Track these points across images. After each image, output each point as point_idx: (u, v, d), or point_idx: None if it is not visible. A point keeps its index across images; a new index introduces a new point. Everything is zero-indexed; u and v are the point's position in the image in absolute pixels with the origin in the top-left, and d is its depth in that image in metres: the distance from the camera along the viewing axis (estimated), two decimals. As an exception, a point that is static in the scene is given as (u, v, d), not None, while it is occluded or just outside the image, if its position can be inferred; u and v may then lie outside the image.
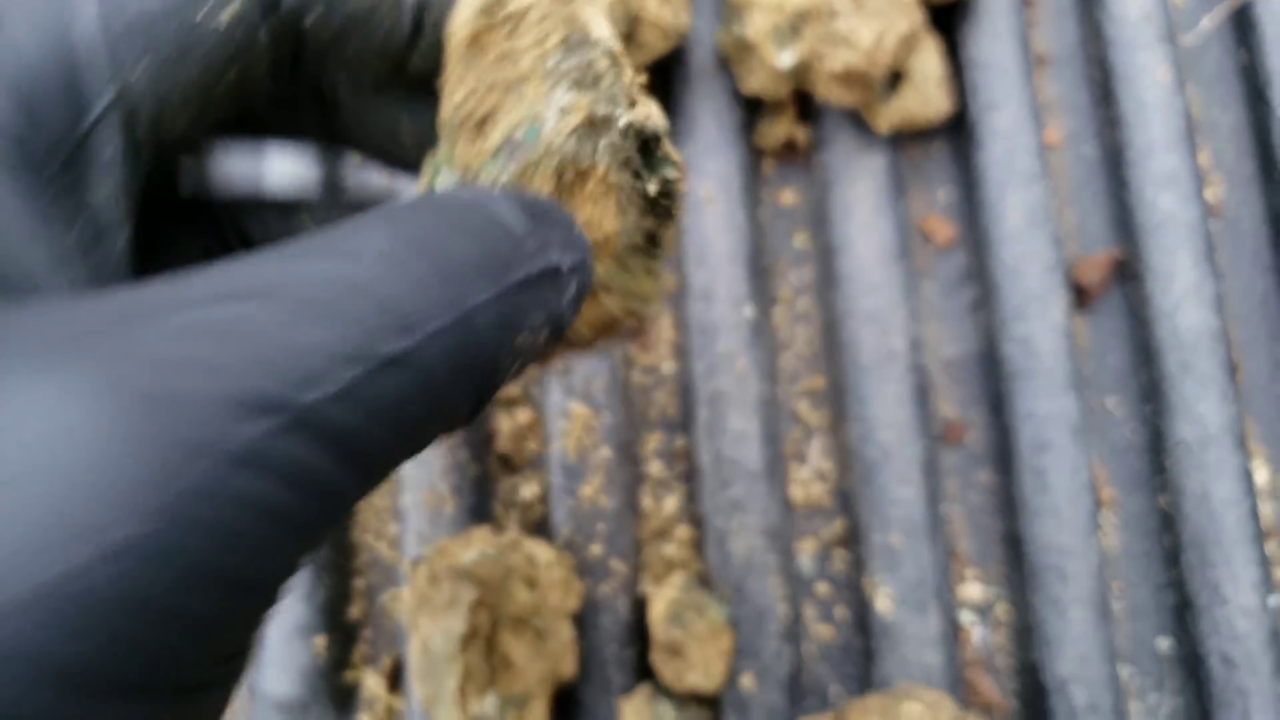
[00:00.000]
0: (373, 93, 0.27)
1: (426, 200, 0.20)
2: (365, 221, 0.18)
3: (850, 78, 0.45)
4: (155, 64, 0.22)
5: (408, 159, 0.28)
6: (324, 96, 0.27)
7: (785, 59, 0.45)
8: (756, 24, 0.45)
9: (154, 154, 0.23)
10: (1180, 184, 0.47)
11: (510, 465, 0.48)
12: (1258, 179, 0.49)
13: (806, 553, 0.46)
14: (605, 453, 0.47)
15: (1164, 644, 0.45)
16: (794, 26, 0.45)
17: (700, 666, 0.43)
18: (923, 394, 0.47)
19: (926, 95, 0.47)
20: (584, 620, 0.45)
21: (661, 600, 0.44)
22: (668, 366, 0.49)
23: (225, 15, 0.22)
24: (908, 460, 0.45)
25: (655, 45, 0.45)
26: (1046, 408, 0.45)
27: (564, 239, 0.21)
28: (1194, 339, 0.46)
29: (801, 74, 0.46)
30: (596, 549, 0.46)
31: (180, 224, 0.28)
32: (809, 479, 0.47)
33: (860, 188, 0.48)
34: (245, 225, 0.29)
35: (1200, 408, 0.45)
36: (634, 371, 0.49)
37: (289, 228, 0.28)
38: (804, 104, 0.50)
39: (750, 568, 0.45)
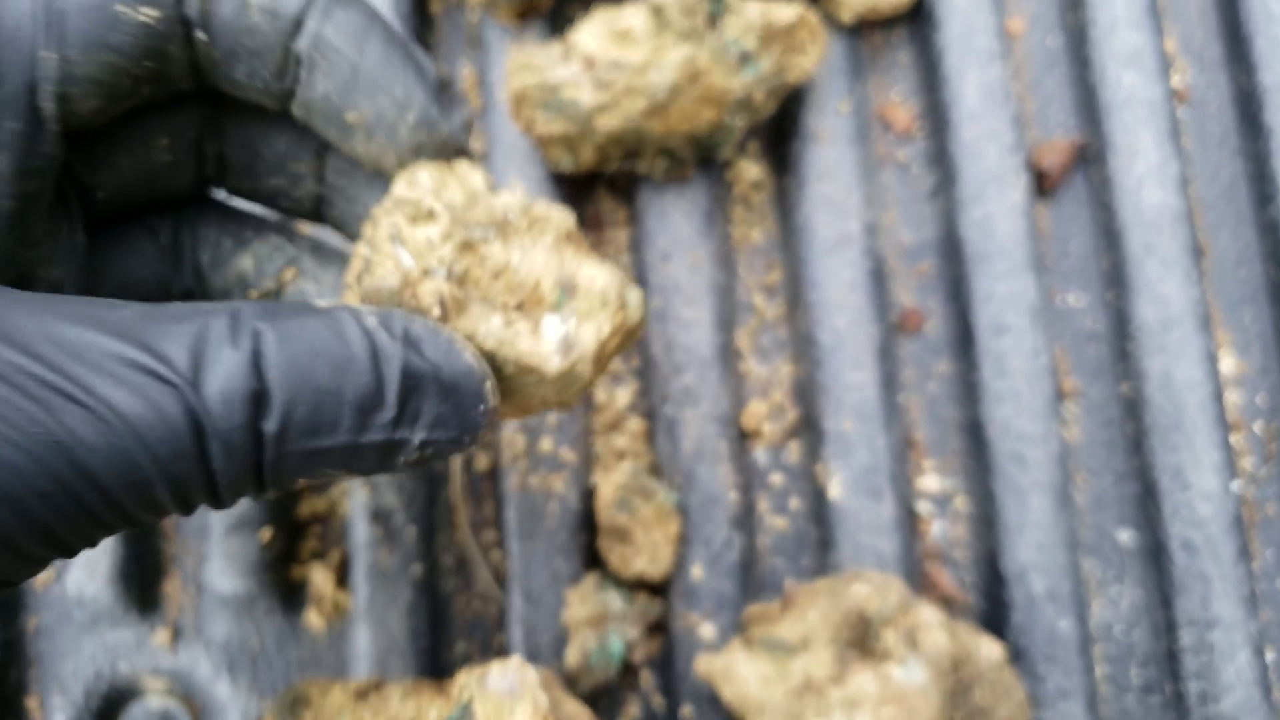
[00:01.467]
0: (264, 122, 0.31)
1: (324, 323, 0.23)
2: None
3: None
4: (76, 44, 0.25)
5: (298, 205, 0.33)
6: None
7: None
8: None
9: (57, 140, 0.26)
10: (1143, 62, 0.45)
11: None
12: (1225, 61, 0.48)
13: (761, 445, 0.45)
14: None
15: (1125, 535, 0.44)
16: None
17: (647, 552, 0.42)
18: (879, 280, 0.45)
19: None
20: (532, 508, 0.44)
21: (609, 485, 0.43)
22: (623, 259, 0.47)
23: (147, 11, 0.25)
24: (861, 345, 0.44)
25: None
26: (1005, 289, 0.44)
27: (437, 418, 0.24)
28: (1156, 218, 0.44)
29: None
30: (547, 441, 0.45)
31: (133, 226, 0.32)
32: (763, 370, 0.46)
33: (817, 77, 0.47)
34: (198, 234, 0.33)
35: (1163, 288, 0.44)
36: (586, 264, 0.47)
37: (235, 251, 0.33)
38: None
39: (701, 456, 0.44)
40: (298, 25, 0.27)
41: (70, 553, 0.22)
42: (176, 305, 0.23)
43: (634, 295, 0.28)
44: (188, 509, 0.23)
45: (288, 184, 0.32)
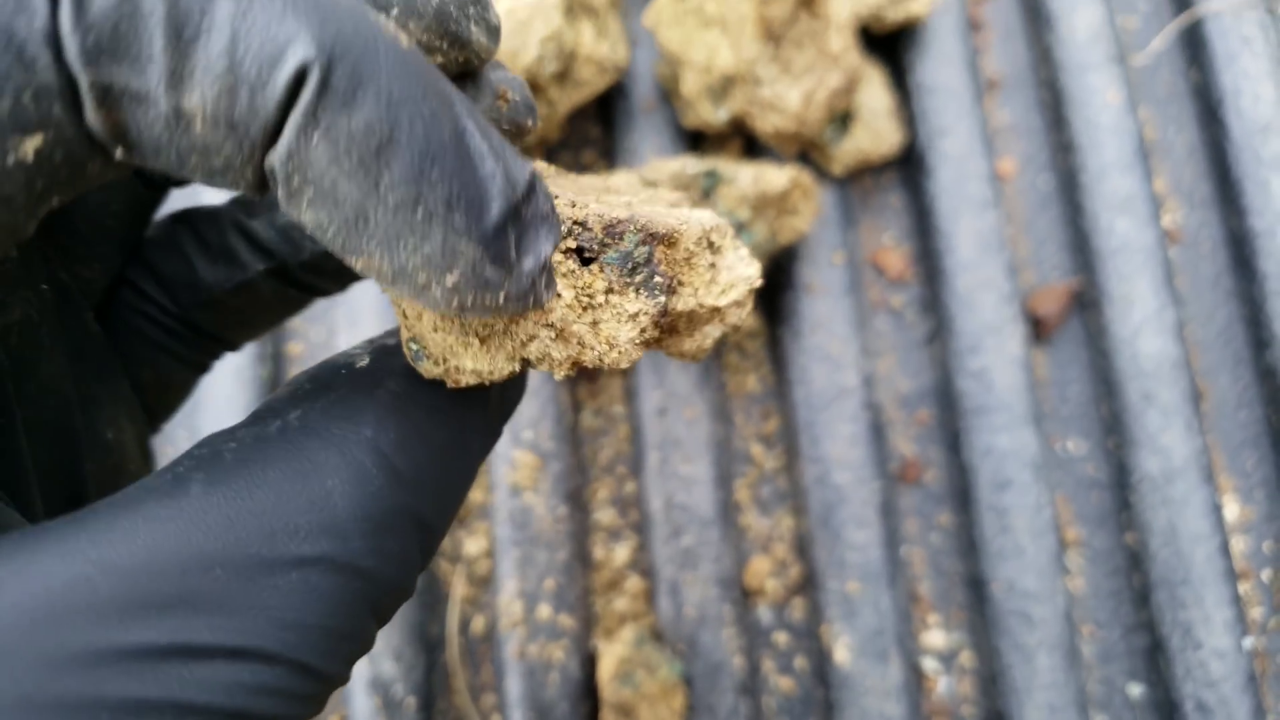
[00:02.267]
0: None
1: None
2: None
3: (783, 137, 0.44)
4: None
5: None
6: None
7: (720, 114, 0.44)
8: (689, 82, 0.44)
9: None
10: (1136, 207, 0.45)
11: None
12: (1215, 201, 0.48)
13: (764, 602, 0.45)
14: (553, 502, 0.45)
15: (1136, 690, 0.43)
16: (723, 88, 0.43)
17: (651, 727, 0.41)
18: (878, 432, 0.45)
19: (878, 131, 0.46)
20: (533, 678, 0.43)
21: (611, 657, 0.42)
22: (618, 409, 0.47)
23: (25, 144, 0.17)
24: (863, 502, 0.44)
25: (593, 81, 0.44)
26: (1006, 443, 0.44)
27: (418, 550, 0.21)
28: (1155, 367, 0.44)
29: (740, 120, 0.45)
30: (545, 608, 0.44)
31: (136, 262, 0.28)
32: (764, 523, 0.45)
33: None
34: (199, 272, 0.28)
35: (1164, 439, 0.44)
36: (583, 415, 0.47)
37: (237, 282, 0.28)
38: (749, 136, 0.48)
39: (704, 621, 0.43)
40: (272, 138, 0.16)
41: None
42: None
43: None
44: None
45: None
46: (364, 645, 0.20)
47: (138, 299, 0.29)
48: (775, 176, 0.41)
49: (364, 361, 0.22)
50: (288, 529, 0.19)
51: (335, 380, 0.21)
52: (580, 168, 0.49)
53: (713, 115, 0.44)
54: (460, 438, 0.22)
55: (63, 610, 0.17)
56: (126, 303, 0.28)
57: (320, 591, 0.19)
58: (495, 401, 0.23)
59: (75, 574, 0.17)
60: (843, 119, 0.45)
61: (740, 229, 0.41)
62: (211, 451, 0.20)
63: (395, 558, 0.20)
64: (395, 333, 0.24)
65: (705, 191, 0.40)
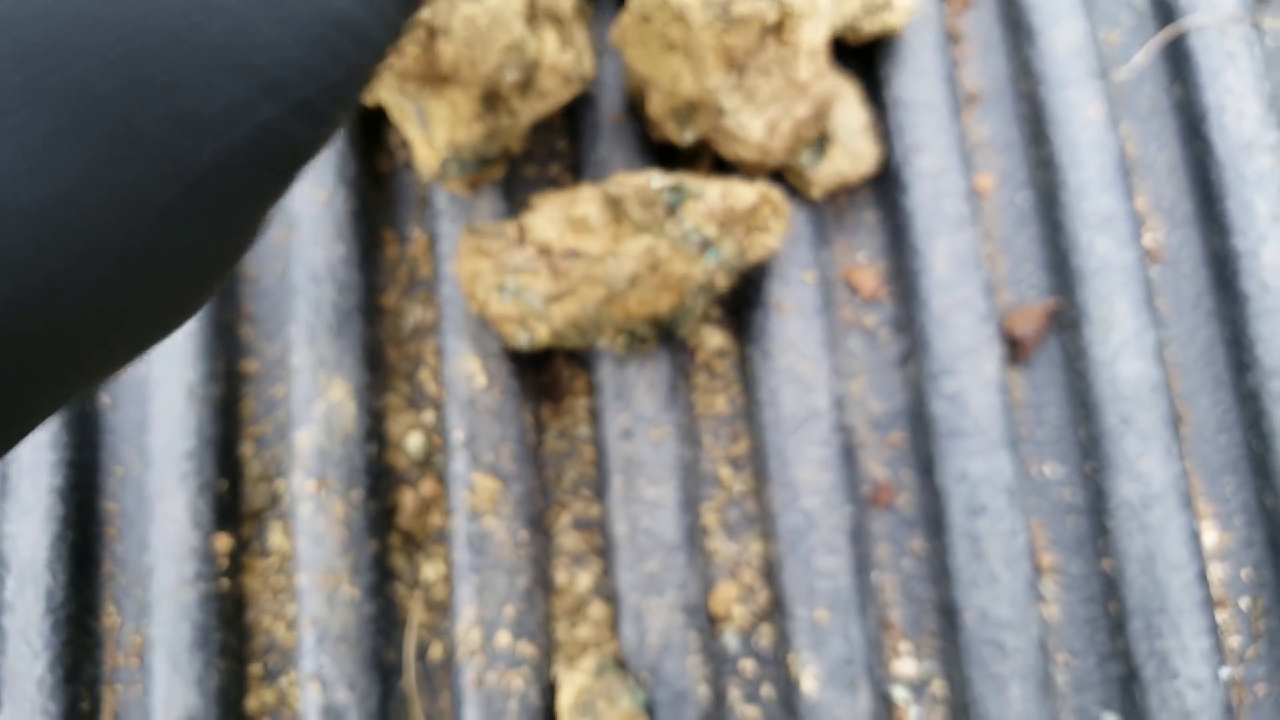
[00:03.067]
0: None
1: None
2: None
3: (749, 165, 0.43)
4: None
5: None
6: None
7: (687, 136, 0.43)
8: (655, 103, 0.43)
9: None
10: (1116, 226, 0.44)
11: (413, 541, 0.45)
12: (1197, 219, 0.47)
13: (731, 629, 0.43)
14: (514, 526, 0.43)
15: None
16: (688, 112, 0.42)
17: (612, 760, 0.40)
18: (848, 455, 0.44)
19: (855, 151, 0.45)
20: (491, 707, 0.42)
21: (571, 687, 0.41)
22: (583, 430, 0.46)
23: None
24: (833, 528, 0.43)
25: (558, 92, 0.43)
26: (980, 469, 0.43)
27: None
28: (1134, 391, 0.43)
29: (707, 142, 0.44)
30: (505, 636, 0.42)
31: None
32: (731, 548, 0.44)
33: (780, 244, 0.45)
34: None
35: (1142, 464, 0.42)
36: (547, 436, 0.46)
37: None
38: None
39: (668, 649, 0.42)
40: None
41: None
42: None
43: None
44: None
45: None
46: None
47: None
48: (744, 192, 0.40)
49: None
50: None
51: None
52: (548, 181, 0.47)
53: (679, 136, 0.43)
54: None
55: None
56: None
57: None
58: None
59: None
60: (819, 142, 0.44)
61: (707, 246, 0.39)
62: None
63: None
64: None
65: (671, 207, 0.39)
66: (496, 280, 0.40)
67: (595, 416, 0.45)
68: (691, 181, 0.40)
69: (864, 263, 0.47)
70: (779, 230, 0.41)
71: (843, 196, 0.47)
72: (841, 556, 0.42)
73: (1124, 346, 0.43)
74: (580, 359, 0.46)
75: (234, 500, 0.45)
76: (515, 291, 0.40)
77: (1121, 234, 0.44)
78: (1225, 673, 0.41)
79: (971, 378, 0.43)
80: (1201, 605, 0.41)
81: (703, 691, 0.42)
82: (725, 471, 0.45)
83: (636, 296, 0.39)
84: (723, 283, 0.41)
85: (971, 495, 0.42)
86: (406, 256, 0.48)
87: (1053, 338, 0.46)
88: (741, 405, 0.46)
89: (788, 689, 0.43)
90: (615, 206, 0.39)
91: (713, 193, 0.40)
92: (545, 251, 0.39)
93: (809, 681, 0.42)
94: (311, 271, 0.46)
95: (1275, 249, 0.44)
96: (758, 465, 0.45)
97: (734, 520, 0.45)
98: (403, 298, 0.47)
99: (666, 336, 0.44)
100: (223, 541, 0.44)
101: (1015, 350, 0.45)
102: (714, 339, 0.45)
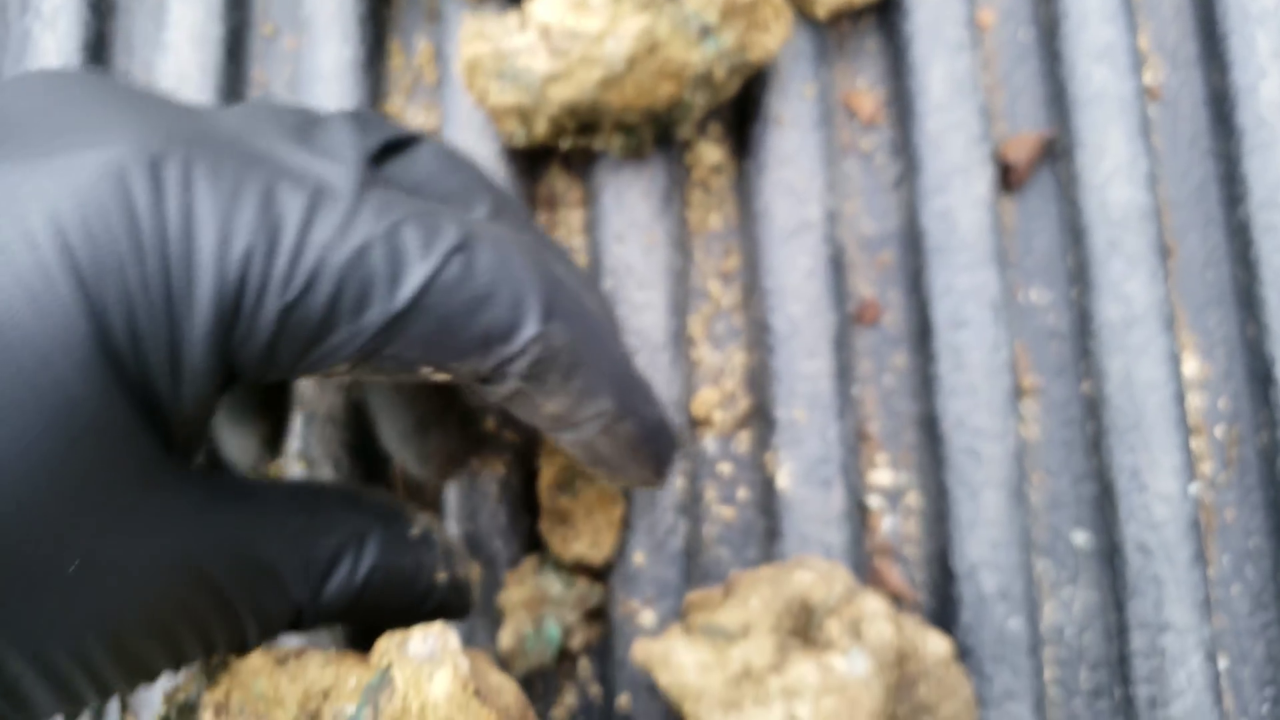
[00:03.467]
0: None
1: None
2: None
3: None
4: None
5: None
6: None
7: None
8: None
9: None
10: (1115, 57, 0.45)
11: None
12: (1199, 60, 0.47)
13: (711, 433, 0.44)
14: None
15: (1081, 537, 0.43)
16: None
17: (588, 535, 0.41)
18: (837, 269, 0.44)
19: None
20: (472, 488, 0.43)
21: (552, 466, 0.42)
22: (576, 240, 0.46)
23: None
24: (817, 334, 0.43)
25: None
26: (966, 282, 0.43)
27: None
28: (1123, 215, 0.43)
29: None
30: (489, 423, 0.43)
31: None
32: (716, 357, 0.45)
33: (782, 60, 0.46)
34: None
35: (1127, 287, 0.43)
36: (542, 244, 0.46)
37: None
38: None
39: (648, 440, 0.43)
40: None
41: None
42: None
43: None
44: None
45: None
46: None
47: None
48: (745, -14, 0.40)
49: None
50: None
51: None
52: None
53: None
54: None
55: None
56: None
57: None
58: None
59: None
60: None
61: (707, 33, 0.40)
62: None
63: None
64: None
65: (671, -13, 0.39)
66: (496, 66, 0.41)
67: (589, 225, 0.46)
68: None
69: (864, 87, 0.47)
70: (779, 33, 0.42)
71: (846, 22, 0.47)
72: (823, 361, 0.43)
73: (1115, 173, 0.44)
74: (577, 168, 0.46)
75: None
76: (513, 76, 0.40)
77: (1120, 65, 0.45)
78: (1194, 488, 0.41)
79: (962, 196, 0.44)
80: (1176, 424, 0.42)
81: (680, 484, 0.43)
82: (715, 285, 0.46)
83: (634, 82, 0.40)
84: (721, 76, 0.41)
85: (956, 308, 0.43)
86: (412, 65, 0.48)
87: (1046, 170, 0.46)
88: (735, 223, 0.46)
89: (763, 490, 0.43)
90: None
91: None
92: (545, 33, 0.40)
93: (784, 479, 0.42)
94: (318, 73, 0.46)
95: (1274, 84, 0.44)
96: (747, 279, 0.45)
97: (720, 332, 0.45)
98: (407, 103, 0.48)
99: (664, 142, 0.45)
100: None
101: (1008, 177, 0.45)
102: (711, 154, 0.46)
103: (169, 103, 0.26)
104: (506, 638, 0.40)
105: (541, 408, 0.27)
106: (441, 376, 0.26)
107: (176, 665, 0.26)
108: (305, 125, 0.27)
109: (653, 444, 0.31)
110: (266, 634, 0.28)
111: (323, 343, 0.23)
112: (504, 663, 0.41)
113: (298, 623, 0.28)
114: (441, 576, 0.31)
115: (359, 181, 0.24)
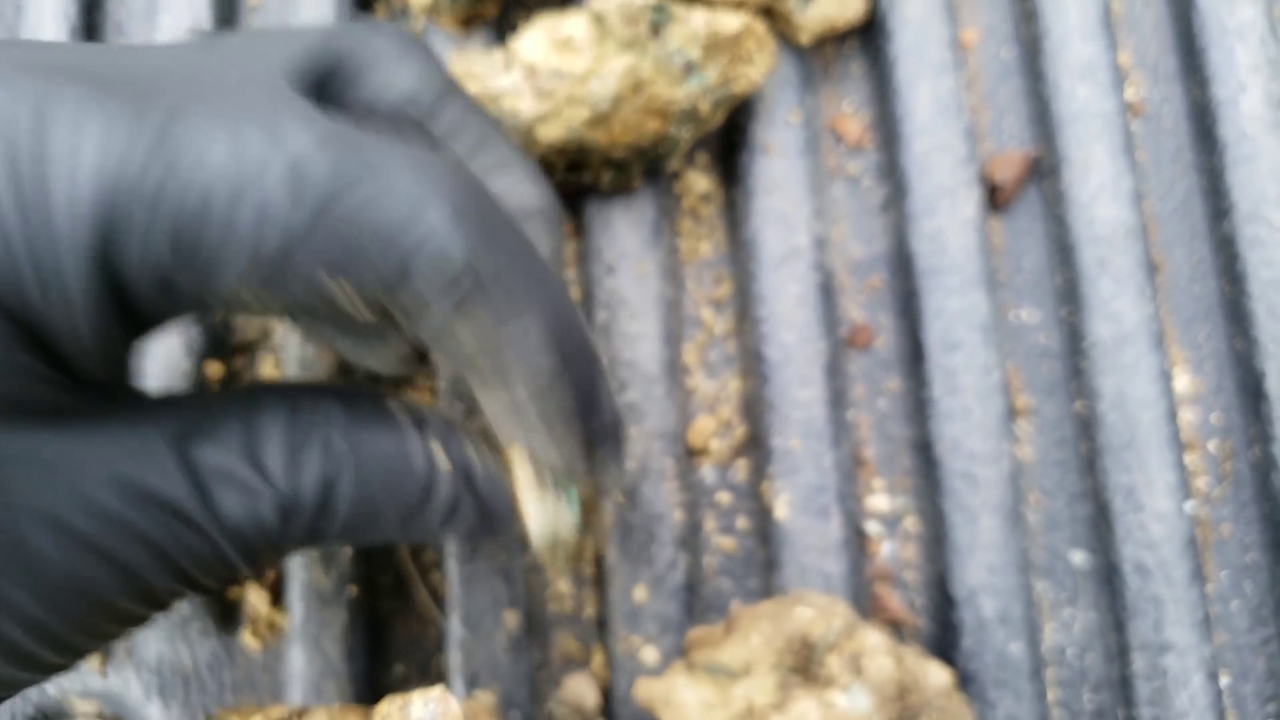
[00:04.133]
0: None
1: None
2: None
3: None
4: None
5: None
6: None
7: None
8: None
9: None
10: (1097, 74, 0.45)
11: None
12: (1180, 74, 0.47)
13: (708, 462, 0.44)
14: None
15: (1079, 557, 0.43)
16: None
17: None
18: (828, 295, 0.45)
19: (841, -5, 0.45)
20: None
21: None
22: (569, 273, 0.46)
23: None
24: (809, 361, 0.43)
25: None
26: (957, 305, 0.43)
27: (468, 528, 0.29)
28: (1110, 233, 0.44)
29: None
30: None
31: None
32: (711, 385, 0.45)
33: (767, 88, 0.46)
34: None
35: (1117, 305, 0.43)
36: (532, 277, 0.46)
37: None
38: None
39: (646, 473, 0.43)
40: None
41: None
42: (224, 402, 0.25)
43: None
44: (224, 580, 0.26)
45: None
46: None
47: None
48: (729, 20, 0.40)
49: None
50: None
51: None
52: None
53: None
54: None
55: None
56: None
57: None
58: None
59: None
60: None
61: (691, 69, 0.40)
62: None
63: None
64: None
65: (655, 26, 0.39)
66: (484, 107, 0.41)
67: (581, 256, 0.46)
68: (677, 5, 0.40)
69: (849, 111, 0.47)
70: (763, 64, 0.42)
71: (830, 46, 0.47)
72: (816, 388, 0.43)
73: (1101, 190, 0.44)
74: (568, 201, 0.46)
75: (227, 331, 0.46)
76: (500, 117, 0.40)
77: (1102, 82, 0.45)
78: (1190, 506, 0.42)
79: (950, 217, 0.44)
80: (1169, 441, 0.42)
81: (679, 517, 0.43)
82: (708, 313, 0.46)
83: (620, 120, 0.40)
84: (706, 111, 0.41)
85: (948, 330, 0.43)
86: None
87: (1032, 189, 0.46)
88: (725, 250, 0.46)
89: (762, 519, 0.43)
90: (600, 24, 0.39)
91: (698, 18, 0.40)
92: (531, 73, 0.40)
93: (782, 509, 0.43)
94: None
95: (1254, 97, 0.44)
96: (739, 307, 0.45)
97: (715, 360, 0.45)
98: (392, 140, 0.48)
99: (653, 174, 0.45)
100: (214, 368, 0.45)
101: (995, 196, 0.46)
102: (700, 183, 0.46)
103: (82, 45, 0.26)
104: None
105: (465, 344, 0.24)
106: (359, 308, 0.24)
107: (142, 598, 0.24)
108: (235, 51, 0.26)
109: (594, 420, 0.27)
110: (248, 549, 0.25)
111: (222, 262, 0.22)
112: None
113: (293, 535, 0.25)
114: (445, 466, 0.27)
115: (273, 101, 0.23)
